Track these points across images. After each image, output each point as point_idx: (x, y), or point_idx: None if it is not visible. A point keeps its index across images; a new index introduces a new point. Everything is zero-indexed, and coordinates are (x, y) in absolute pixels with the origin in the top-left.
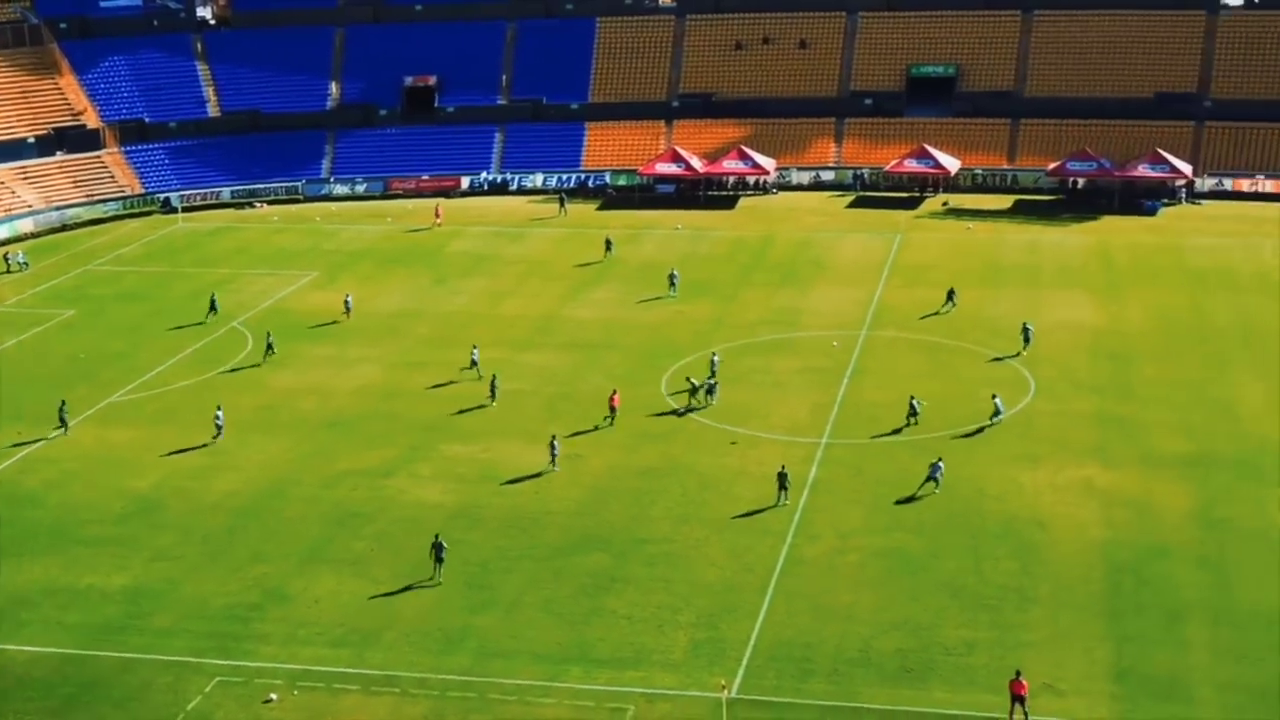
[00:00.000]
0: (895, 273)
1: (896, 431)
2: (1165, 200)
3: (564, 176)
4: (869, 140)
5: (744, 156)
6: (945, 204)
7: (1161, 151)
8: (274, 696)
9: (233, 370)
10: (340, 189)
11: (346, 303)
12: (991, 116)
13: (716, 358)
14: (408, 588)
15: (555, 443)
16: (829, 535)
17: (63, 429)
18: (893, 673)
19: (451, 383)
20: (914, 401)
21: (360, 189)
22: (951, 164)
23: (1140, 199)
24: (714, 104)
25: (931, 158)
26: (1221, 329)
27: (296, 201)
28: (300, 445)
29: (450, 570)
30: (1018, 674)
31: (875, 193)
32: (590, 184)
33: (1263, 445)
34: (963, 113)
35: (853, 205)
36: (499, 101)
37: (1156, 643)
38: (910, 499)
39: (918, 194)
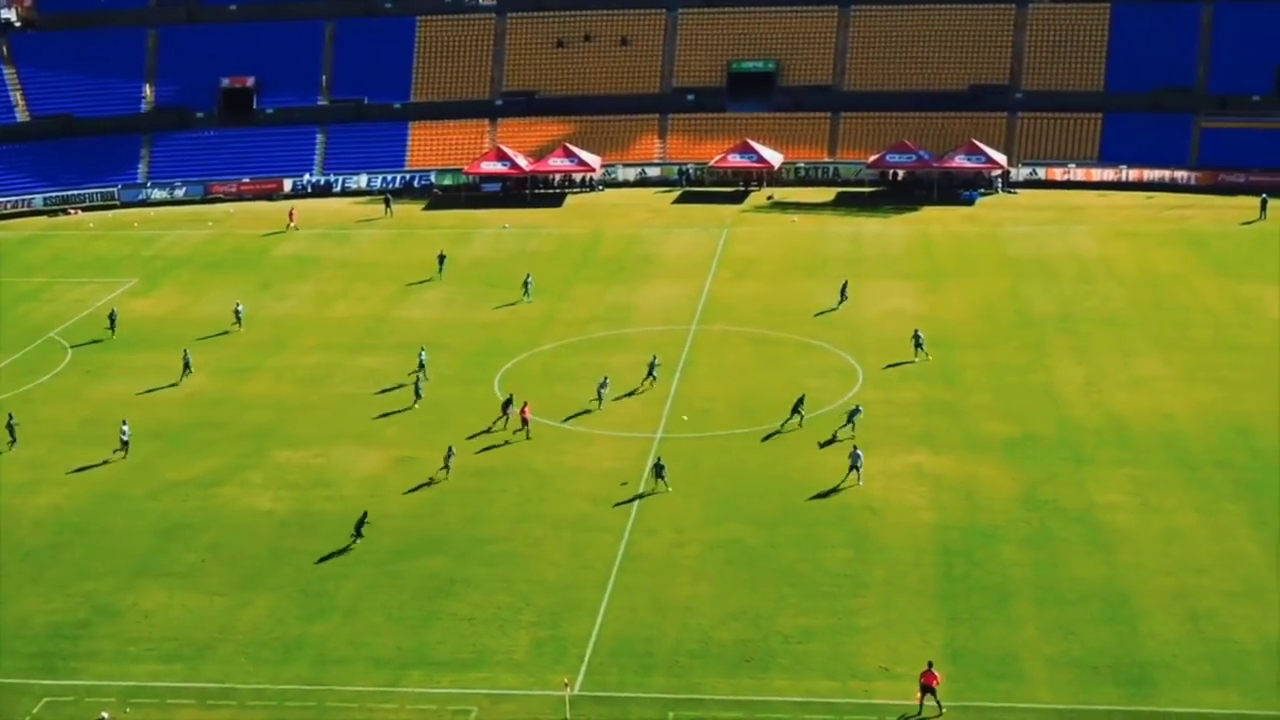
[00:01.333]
0: (723, 266)
1: (784, 425)
2: (982, 190)
3: (389, 177)
4: (693, 136)
5: (569, 154)
6: (769, 198)
7: (977, 142)
8: (106, 715)
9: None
10: (158, 194)
11: (237, 312)
12: (812, 110)
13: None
14: (242, 598)
15: (451, 450)
16: (666, 529)
17: None
18: (733, 663)
19: (273, 392)
20: (800, 408)
21: (179, 193)
22: (774, 158)
23: (958, 189)
24: (537, 102)
25: (755, 152)
26: (1039, 315)
27: (113, 207)
28: (126, 457)
29: (284, 578)
30: (929, 665)
31: (701, 188)
32: (415, 184)
33: (1081, 427)
34: (783, 107)
35: (679, 201)
36: (319, 102)
37: (988, 622)
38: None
39: (742, 188)
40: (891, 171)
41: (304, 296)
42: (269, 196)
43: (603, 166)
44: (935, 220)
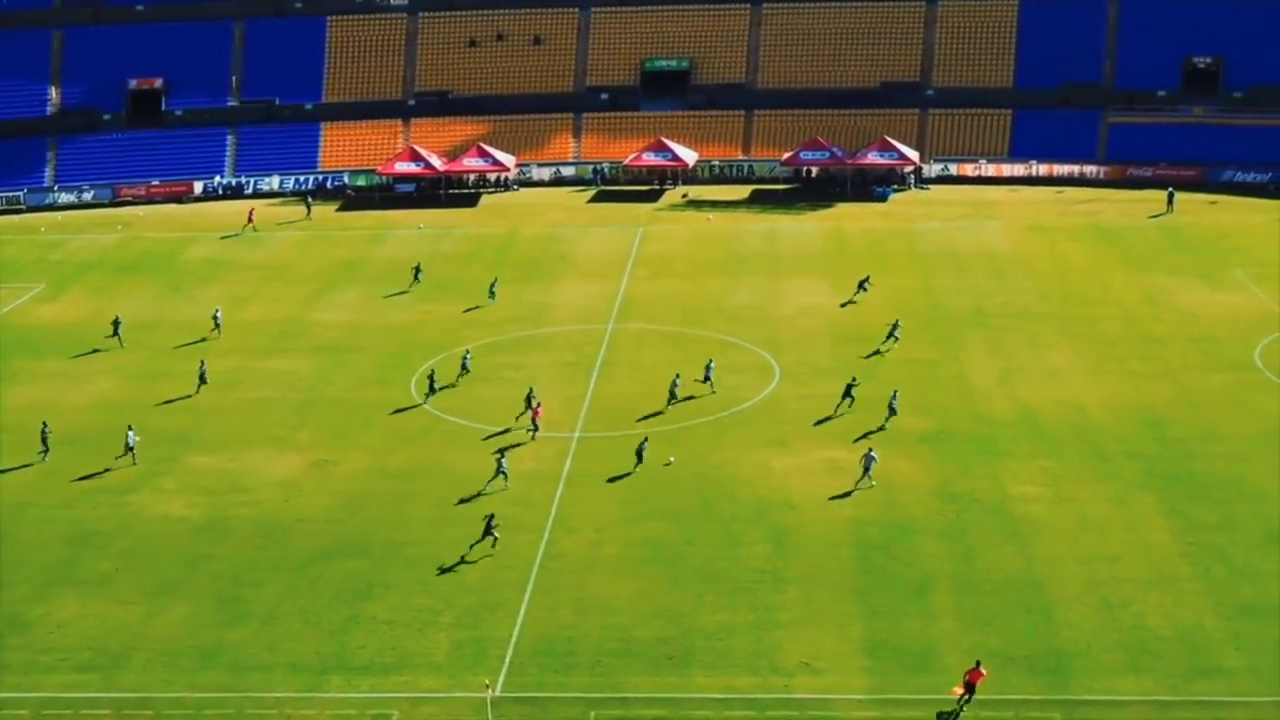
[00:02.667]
0: (639, 265)
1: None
2: (895, 186)
3: (301, 178)
4: (607, 135)
5: (484, 154)
6: (685, 196)
7: (890, 139)
8: None
9: None
10: (66, 197)
11: (215, 318)
12: (726, 108)
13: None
14: (157, 606)
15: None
16: (586, 528)
17: None
18: (654, 661)
19: (188, 396)
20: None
21: (87, 197)
22: (689, 156)
23: (871, 186)
24: (451, 101)
25: (669, 150)
26: (952, 310)
27: (18, 212)
28: (34, 465)
29: (200, 585)
30: (977, 664)
31: (616, 186)
32: (329, 185)
33: (995, 420)
34: (697, 105)
35: (594, 200)
36: (230, 103)
37: (906, 615)
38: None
39: (657, 187)
40: (805, 169)
41: (215, 300)
42: (179, 199)
43: (517, 166)
44: (849, 217)
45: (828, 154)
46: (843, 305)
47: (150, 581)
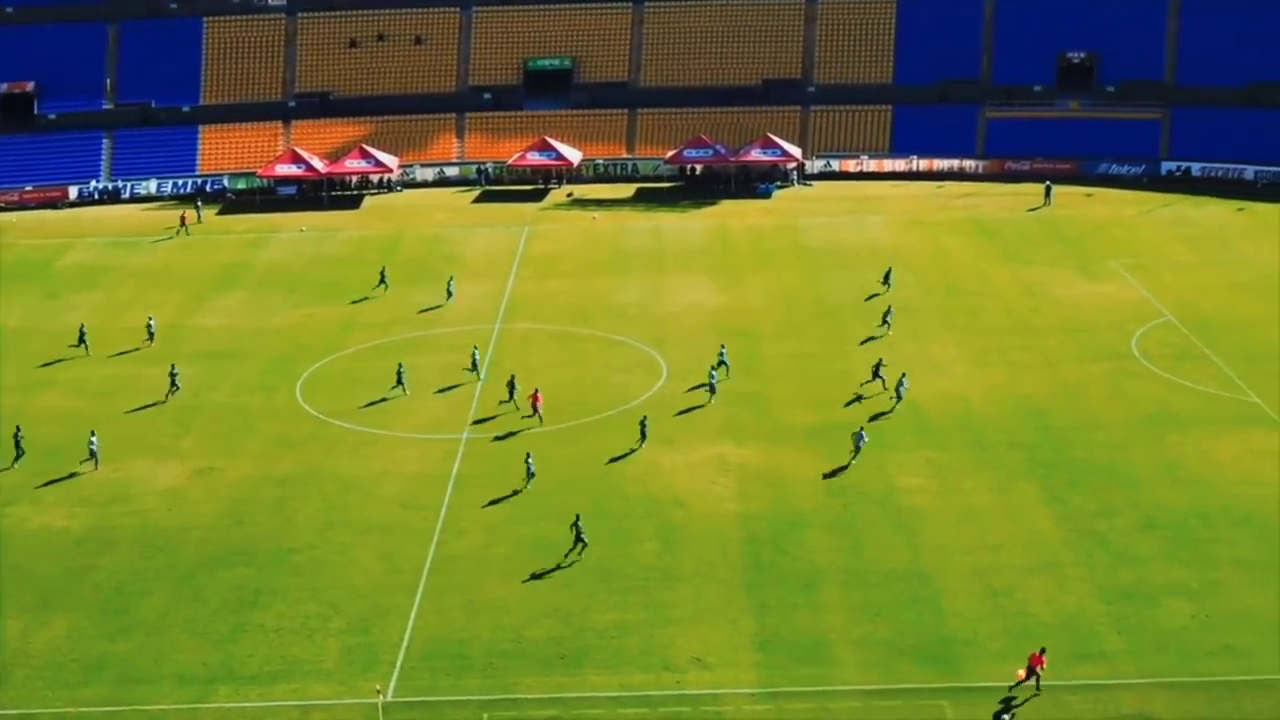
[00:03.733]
0: (525, 265)
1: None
2: (779, 183)
3: (179, 182)
4: (490, 134)
5: (366, 155)
6: (570, 195)
7: (772, 136)
8: None
9: None
10: None
11: (149, 326)
12: (609, 107)
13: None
14: (39, 620)
15: (530, 461)
16: (476, 530)
17: None
18: (547, 660)
19: (66, 404)
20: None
21: None
22: (573, 155)
23: (755, 183)
24: (332, 103)
25: (553, 150)
26: (836, 304)
27: None
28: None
29: (83, 597)
30: (1042, 651)
31: (500, 187)
32: (208, 189)
33: (879, 413)
34: (581, 104)
35: (479, 200)
36: (105, 106)
37: (796, 608)
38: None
39: (542, 186)
40: (689, 166)
41: (93, 306)
42: (54, 205)
43: (400, 167)
44: (733, 214)
45: (711, 152)
46: (867, 299)
47: (30, 595)
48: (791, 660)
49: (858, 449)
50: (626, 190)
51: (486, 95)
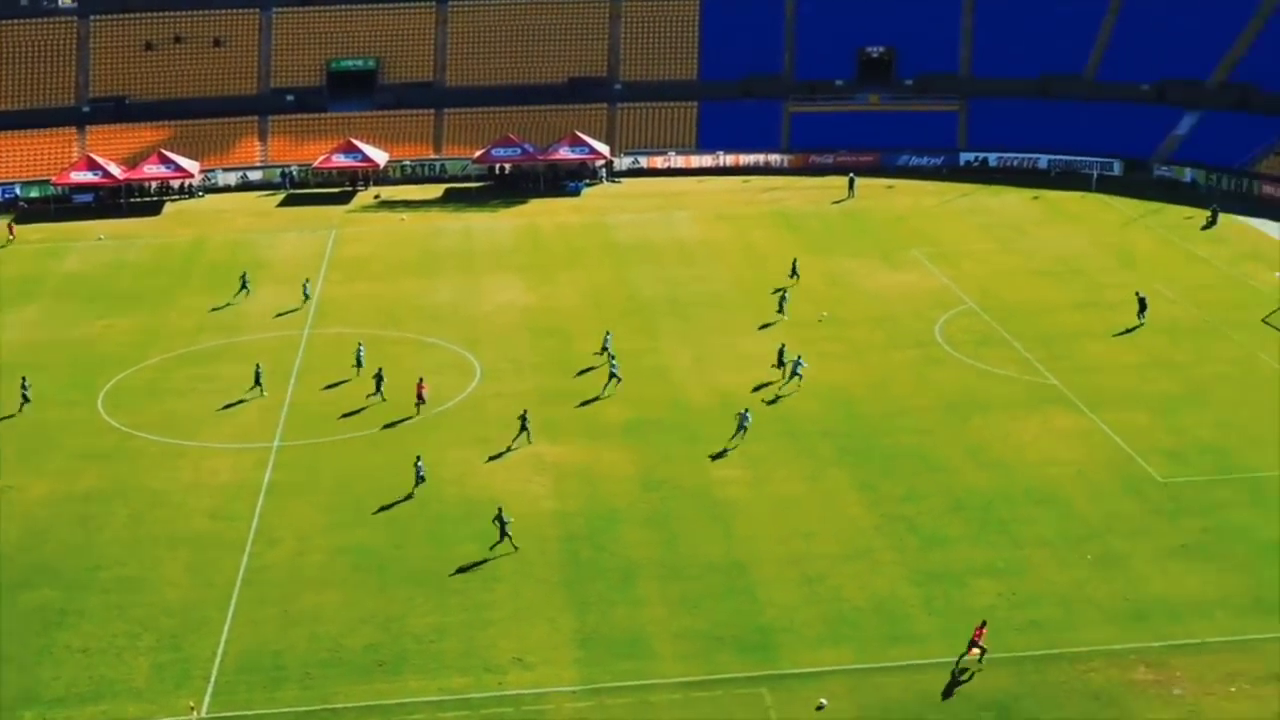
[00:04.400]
0: (334, 268)
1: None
2: (588, 180)
3: None
4: (294, 137)
5: (165, 160)
6: (377, 197)
7: (580, 134)
8: None
9: None
10: None
11: None
12: (415, 108)
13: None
14: None
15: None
16: (289, 539)
17: None
18: (365, 668)
19: None
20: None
21: None
22: (380, 157)
23: (564, 181)
24: (128, 107)
25: (359, 151)
26: (648, 300)
27: None
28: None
29: None
30: (982, 624)
31: (306, 190)
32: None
33: (692, 407)
34: (386, 105)
35: (284, 204)
36: None
37: (614, 604)
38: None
39: (349, 188)
40: (497, 166)
41: None
42: None
43: (202, 172)
44: (543, 212)
45: (519, 150)
46: (774, 292)
47: None
48: (612, 656)
49: (741, 428)
50: (435, 191)
51: (289, 97)
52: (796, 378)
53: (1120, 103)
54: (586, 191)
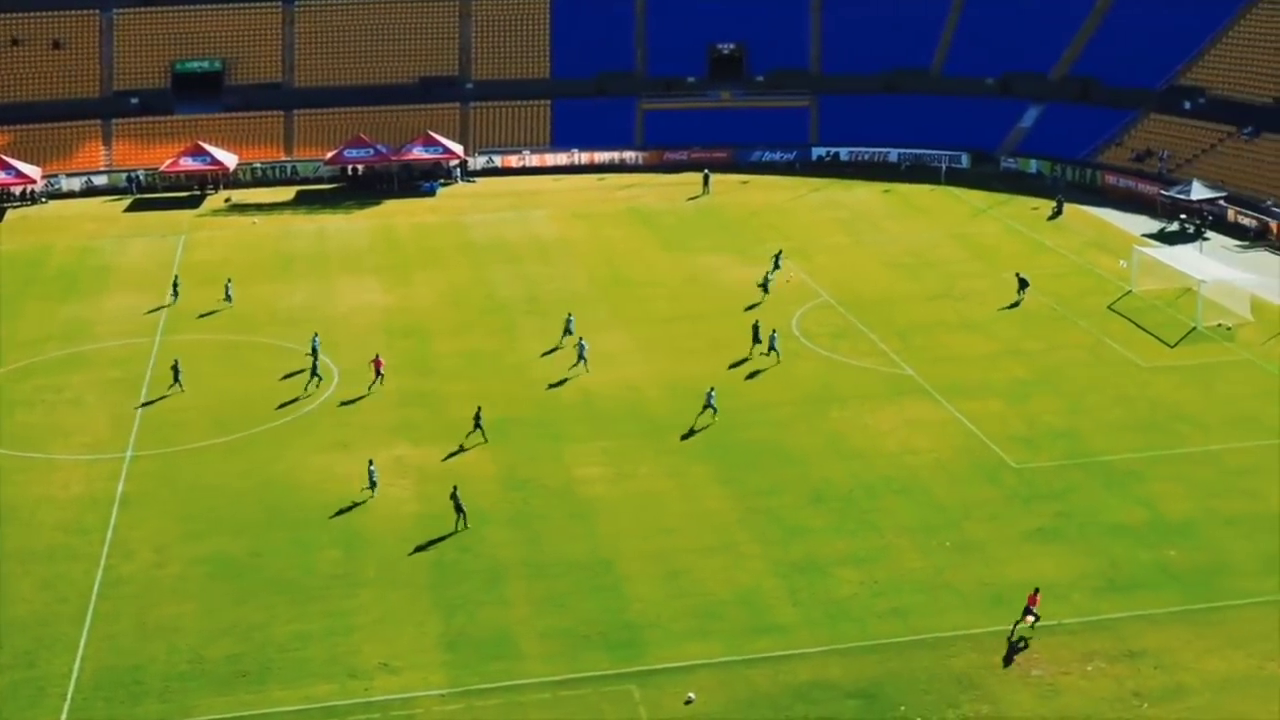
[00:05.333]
0: (184, 273)
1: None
2: (442, 180)
3: None
4: (140, 140)
5: (5, 166)
6: (228, 200)
7: (433, 134)
8: None
9: None
10: None
11: None
12: (264, 109)
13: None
14: None
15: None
16: (145, 550)
17: None
18: (227, 679)
19: None
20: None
21: None
22: (229, 159)
23: (418, 181)
24: None
25: (208, 154)
26: (507, 299)
27: None
28: None
29: None
30: (1035, 591)
31: (154, 194)
32: None
33: (555, 405)
34: (234, 107)
35: (131, 209)
36: None
37: (481, 605)
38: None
39: (198, 192)
40: (351, 167)
41: None
42: None
43: (44, 177)
44: (398, 213)
45: (372, 151)
46: (759, 285)
47: None
48: (479, 657)
49: (709, 405)
50: (287, 193)
51: (133, 100)
52: (774, 352)
53: (966, 97)
54: (441, 191)
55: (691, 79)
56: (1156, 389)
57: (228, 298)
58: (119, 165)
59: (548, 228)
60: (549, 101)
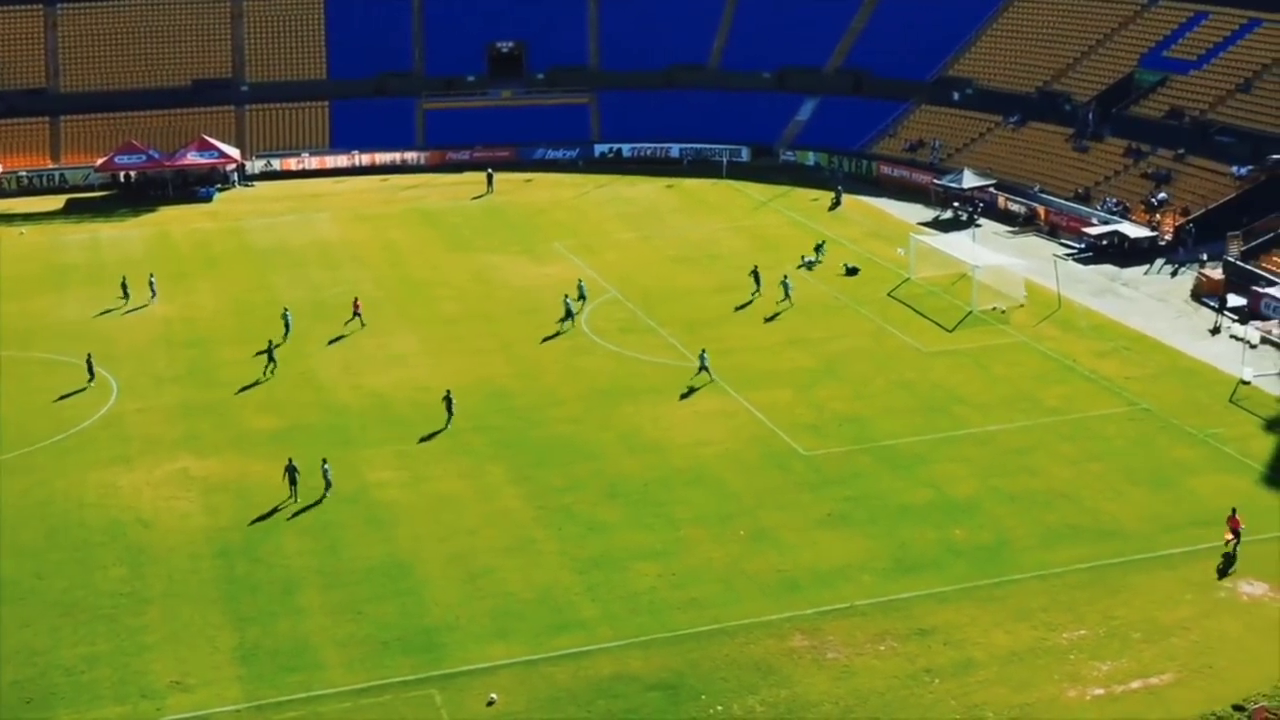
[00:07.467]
0: None
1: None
2: (219, 185)
3: None
4: None
5: None
6: None
7: (208, 138)
8: None
9: None
10: None
11: None
12: (27, 116)
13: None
14: None
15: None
16: None
17: None
18: (11, 707)
19: None
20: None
21: None
22: None
23: (194, 186)
24: None
25: None
26: (290, 303)
27: None
28: None
29: None
30: (1233, 511)
31: None
32: None
33: (345, 411)
34: None
35: None
36: None
37: (275, 616)
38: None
39: None
40: (123, 174)
41: None
42: None
43: None
44: (174, 220)
45: (145, 157)
46: (740, 306)
47: None
48: (276, 669)
49: (703, 367)
50: (55, 202)
51: None
52: (787, 300)
53: (744, 91)
54: (219, 197)
55: (472, 78)
56: (937, 373)
57: (153, 294)
58: None
59: (331, 231)
60: (327, 103)
